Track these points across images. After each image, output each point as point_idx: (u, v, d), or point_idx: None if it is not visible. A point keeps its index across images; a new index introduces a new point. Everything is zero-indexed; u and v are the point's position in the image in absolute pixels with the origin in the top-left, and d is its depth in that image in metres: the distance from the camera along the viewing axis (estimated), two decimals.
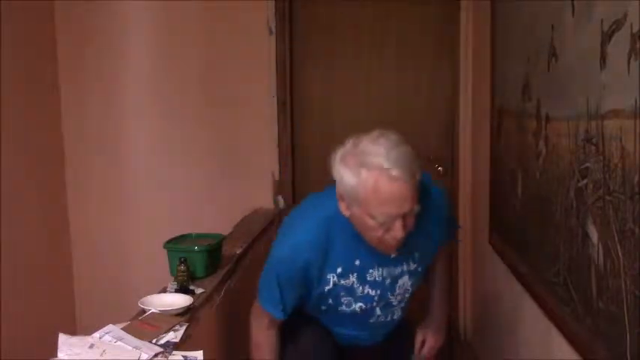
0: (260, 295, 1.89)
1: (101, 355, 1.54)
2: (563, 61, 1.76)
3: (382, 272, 1.84)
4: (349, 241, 1.77)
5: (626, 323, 1.32)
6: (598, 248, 1.48)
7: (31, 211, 3.03)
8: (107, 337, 1.62)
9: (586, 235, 1.56)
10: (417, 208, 1.64)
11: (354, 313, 1.89)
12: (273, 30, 3.35)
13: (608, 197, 1.41)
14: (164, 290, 2.02)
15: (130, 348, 1.58)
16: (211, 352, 1.72)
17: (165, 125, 3.39)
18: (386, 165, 1.57)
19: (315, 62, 3.54)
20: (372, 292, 1.85)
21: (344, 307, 1.88)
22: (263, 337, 1.93)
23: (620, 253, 1.35)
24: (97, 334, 1.63)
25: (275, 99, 3.40)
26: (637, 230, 1.26)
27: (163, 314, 1.79)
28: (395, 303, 1.92)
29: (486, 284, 3.03)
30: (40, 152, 3.16)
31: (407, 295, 1.93)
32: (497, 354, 2.72)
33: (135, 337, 1.63)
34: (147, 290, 1.97)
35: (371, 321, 1.94)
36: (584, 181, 1.57)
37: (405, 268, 1.87)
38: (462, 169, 3.45)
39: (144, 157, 3.41)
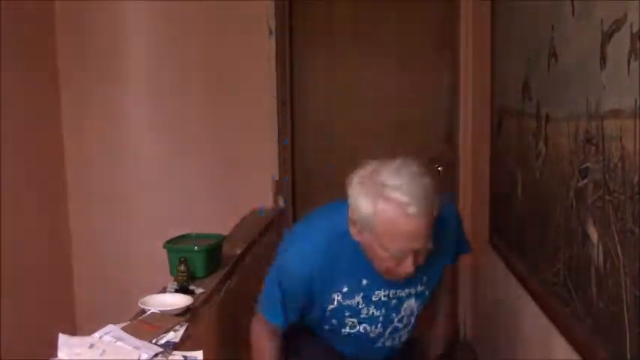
0: (261, 304, 1.82)
1: (101, 355, 1.54)
2: (563, 61, 1.76)
3: (389, 293, 1.77)
4: (357, 259, 1.68)
5: (626, 323, 1.32)
6: (598, 248, 1.48)
7: (31, 211, 3.03)
8: (107, 337, 1.61)
9: (586, 235, 1.56)
10: (430, 245, 1.59)
11: (357, 335, 1.81)
12: (273, 30, 3.35)
13: (608, 197, 1.41)
14: (164, 290, 2.02)
15: (130, 348, 1.58)
16: (211, 352, 1.72)
17: (165, 125, 3.39)
18: (404, 200, 1.50)
19: (315, 62, 3.55)
20: (377, 313, 1.79)
21: (347, 329, 1.81)
22: (265, 346, 1.84)
23: (620, 253, 1.35)
24: (97, 334, 1.63)
25: (275, 99, 3.40)
26: (637, 230, 1.26)
27: (163, 314, 1.79)
28: (401, 327, 1.85)
29: (486, 284, 3.03)
30: (40, 152, 3.16)
31: (412, 319, 1.86)
32: (498, 354, 2.72)
33: (135, 337, 1.62)
34: (147, 290, 1.97)
35: (377, 346, 1.86)
36: (584, 181, 1.57)
37: (412, 290, 1.80)
38: (462, 169, 3.45)
39: (144, 157, 3.41)
